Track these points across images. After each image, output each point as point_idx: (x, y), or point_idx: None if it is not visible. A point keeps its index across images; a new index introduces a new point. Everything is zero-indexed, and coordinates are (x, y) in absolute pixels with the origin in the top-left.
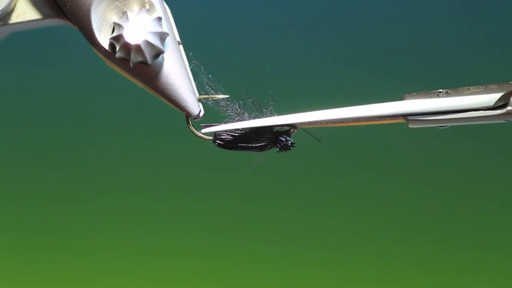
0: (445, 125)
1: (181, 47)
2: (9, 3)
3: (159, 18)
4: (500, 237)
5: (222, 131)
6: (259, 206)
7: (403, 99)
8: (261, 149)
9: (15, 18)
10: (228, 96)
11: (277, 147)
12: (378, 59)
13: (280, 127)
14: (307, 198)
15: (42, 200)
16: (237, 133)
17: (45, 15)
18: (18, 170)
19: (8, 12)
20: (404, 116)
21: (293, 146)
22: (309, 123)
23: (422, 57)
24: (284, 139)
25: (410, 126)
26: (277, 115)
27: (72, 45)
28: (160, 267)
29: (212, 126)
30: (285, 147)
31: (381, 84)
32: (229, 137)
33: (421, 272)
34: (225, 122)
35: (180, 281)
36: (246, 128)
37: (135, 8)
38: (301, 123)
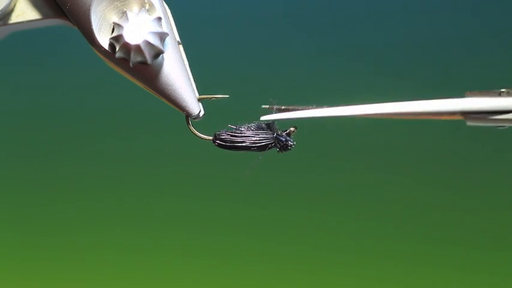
0: (504, 125)
1: (181, 47)
2: (9, 3)
3: (159, 18)
4: (501, 236)
5: (284, 119)
6: (259, 205)
7: (464, 97)
8: (261, 149)
9: (15, 18)
10: (228, 96)
11: (277, 147)
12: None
13: (280, 129)
14: (307, 198)
15: (41, 199)
16: (237, 133)
17: (45, 15)
18: (19, 169)
19: (8, 12)
20: (463, 113)
21: (293, 146)
22: (367, 115)
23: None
24: (284, 139)
25: (468, 123)
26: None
27: (72, 45)
28: (159, 267)
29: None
30: (285, 148)
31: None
32: (229, 137)
33: (422, 271)
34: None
35: (180, 281)
36: (247, 129)
37: (135, 8)
38: (359, 116)
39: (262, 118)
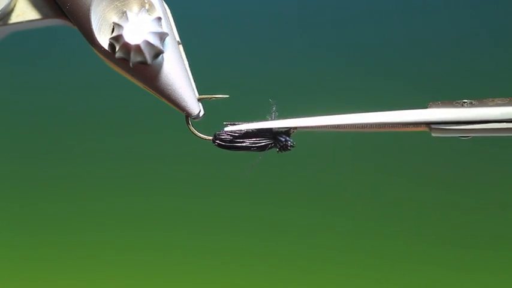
0: (468, 135)
1: (181, 47)
2: (9, 3)
3: (159, 18)
4: (501, 236)
5: (244, 129)
6: (259, 205)
7: (427, 108)
8: (261, 149)
9: (14, 18)
10: (228, 96)
11: (276, 147)
12: (387, 62)
13: (280, 128)
14: (307, 198)
15: (41, 198)
16: (237, 133)
17: (44, 15)
18: (19, 168)
19: (8, 12)
20: (427, 124)
21: (292, 146)
22: (332, 126)
23: (438, 63)
24: (284, 139)
25: (432, 134)
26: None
27: (72, 45)
28: (159, 267)
29: (235, 125)
30: (285, 148)
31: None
32: (229, 137)
33: (421, 271)
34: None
35: (180, 281)
36: (247, 129)
37: (135, 8)
38: (324, 126)
39: (226, 129)
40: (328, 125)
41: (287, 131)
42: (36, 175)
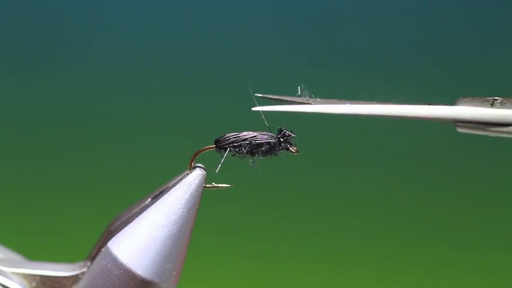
0: (496, 135)
1: None
2: None
3: None
4: (501, 236)
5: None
6: (259, 206)
7: (456, 103)
8: (263, 153)
9: None
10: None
11: (279, 150)
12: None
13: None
14: (307, 199)
15: (41, 200)
16: (238, 137)
17: None
18: (19, 170)
19: None
20: (454, 121)
21: (293, 136)
22: (360, 115)
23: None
24: (284, 141)
25: (458, 130)
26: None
27: (73, 46)
28: None
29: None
30: (288, 146)
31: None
32: (230, 141)
33: (422, 272)
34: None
35: (180, 281)
36: (248, 133)
37: None
38: (354, 115)
39: (254, 109)
40: (356, 114)
41: (289, 134)
42: (36, 176)
